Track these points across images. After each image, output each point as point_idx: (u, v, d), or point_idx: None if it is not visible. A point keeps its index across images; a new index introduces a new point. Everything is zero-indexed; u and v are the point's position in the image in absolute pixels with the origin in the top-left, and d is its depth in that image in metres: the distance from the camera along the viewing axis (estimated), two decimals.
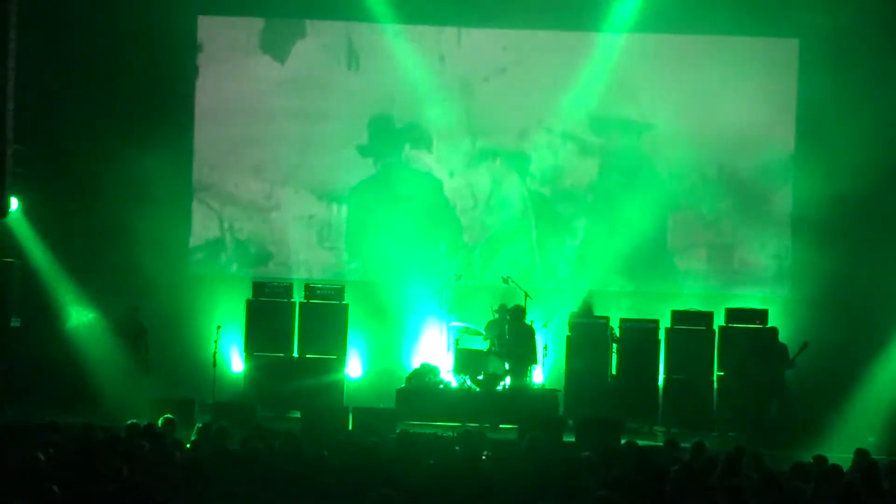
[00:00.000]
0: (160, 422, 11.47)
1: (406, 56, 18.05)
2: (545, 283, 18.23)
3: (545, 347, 16.96)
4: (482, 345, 16.93)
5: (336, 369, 16.97)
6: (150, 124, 17.53)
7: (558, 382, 17.02)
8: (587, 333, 16.98)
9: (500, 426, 15.87)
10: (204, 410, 15.10)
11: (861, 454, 10.96)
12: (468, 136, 18.34)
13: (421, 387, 16.70)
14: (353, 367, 17.65)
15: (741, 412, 16.28)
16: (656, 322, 17.05)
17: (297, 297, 17.18)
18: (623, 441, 13.24)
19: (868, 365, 16.93)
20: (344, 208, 18.37)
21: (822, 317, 17.21)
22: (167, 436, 10.70)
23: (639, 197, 18.04)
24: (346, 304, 17.11)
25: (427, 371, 16.91)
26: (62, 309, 17.46)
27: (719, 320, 17.05)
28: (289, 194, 18.38)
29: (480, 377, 16.52)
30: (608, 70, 18.00)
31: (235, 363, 17.52)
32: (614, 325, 17.00)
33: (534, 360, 16.65)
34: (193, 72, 18.30)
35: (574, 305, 17.38)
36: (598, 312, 17.25)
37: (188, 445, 10.65)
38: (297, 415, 15.73)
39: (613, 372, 16.95)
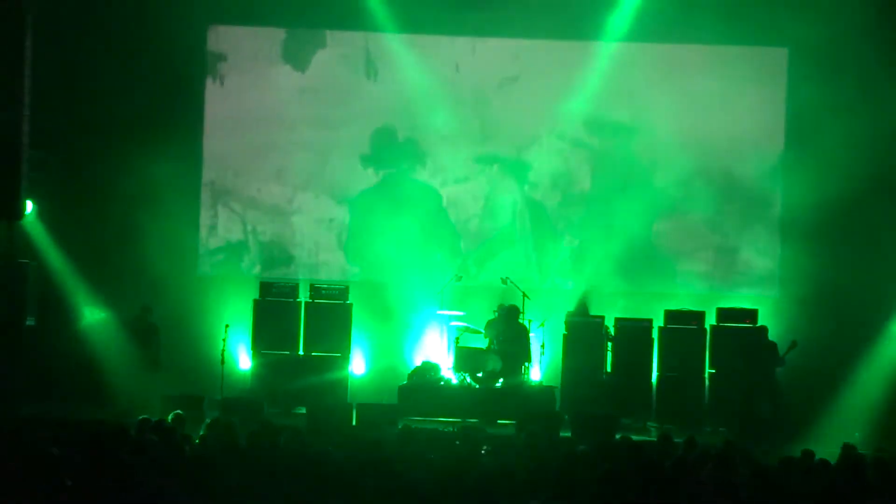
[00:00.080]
0: (170, 417, 11.44)
1: (420, 65, 18.05)
2: (542, 284, 18.23)
3: (542, 346, 16.97)
4: (482, 343, 16.92)
5: (340, 367, 16.96)
6: (161, 131, 17.49)
7: (555, 379, 17.03)
8: (583, 332, 16.98)
9: (499, 422, 15.86)
10: (212, 406, 15.09)
11: (848, 449, 10.95)
12: (473, 143, 18.32)
13: (422, 384, 16.69)
14: (357, 365, 17.64)
15: (732, 408, 16.28)
16: (650, 321, 17.06)
17: (303, 297, 17.17)
18: (618, 436, 13.23)
19: (855, 363, 16.96)
20: (352, 212, 18.39)
21: (810, 316, 17.20)
22: (177, 431, 10.68)
23: (633, 201, 18.04)
24: (350, 304, 17.12)
25: (428, 368, 16.90)
26: (76, 308, 17.44)
27: (711, 320, 17.05)
28: (309, 199, 18.38)
29: (480, 374, 16.52)
30: (605, 78, 17.98)
31: (243, 361, 17.50)
32: (609, 324, 17.00)
33: (527, 359, 16.64)
34: (203, 81, 18.29)
35: (570, 305, 17.37)
36: (593, 312, 17.26)
37: (197, 440, 10.63)
38: (303, 411, 15.73)
39: (608, 369, 16.94)
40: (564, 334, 17.01)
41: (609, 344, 16.93)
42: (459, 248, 18.41)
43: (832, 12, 16.97)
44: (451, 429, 13.91)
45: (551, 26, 17.89)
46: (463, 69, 18.30)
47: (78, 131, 17.50)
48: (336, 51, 18.34)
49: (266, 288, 17.18)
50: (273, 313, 17.03)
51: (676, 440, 11.49)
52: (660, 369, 16.99)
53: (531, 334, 16.88)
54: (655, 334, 17.01)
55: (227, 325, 16.69)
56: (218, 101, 18.27)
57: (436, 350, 17.44)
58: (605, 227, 17.99)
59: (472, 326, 17.10)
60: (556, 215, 18.42)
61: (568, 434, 14.54)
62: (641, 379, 16.88)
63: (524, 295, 17.06)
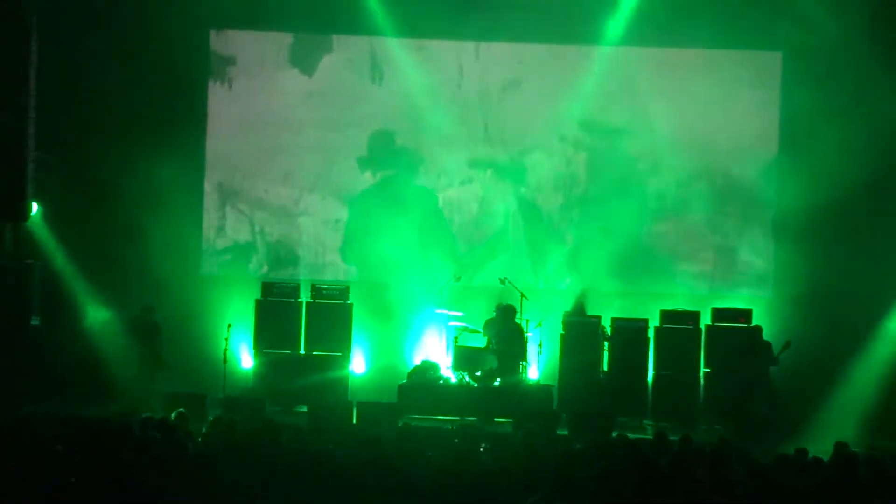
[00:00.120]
0: (173, 415, 11.43)
1: (423, 69, 18.07)
2: (540, 285, 18.22)
3: (540, 345, 16.98)
4: (481, 343, 16.91)
5: (341, 366, 16.95)
6: (164, 133, 17.50)
7: (552, 378, 17.03)
8: (580, 332, 16.97)
9: (497, 420, 15.85)
10: (215, 405, 15.07)
11: (841, 447, 10.94)
12: (473, 145, 18.32)
13: (422, 382, 16.68)
14: (357, 364, 17.62)
15: (727, 407, 16.27)
16: (646, 321, 17.05)
17: (304, 297, 17.16)
18: (614, 434, 13.23)
19: (847, 362, 16.97)
20: (352, 213, 18.39)
21: (803, 317, 17.20)
22: (179, 428, 10.66)
23: (629, 202, 18.06)
24: (351, 304, 17.11)
25: (427, 367, 16.90)
26: (80, 308, 17.42)
27: (706, 319, 17.05)
28: (316, 200, 18.38)
29: (478, 373, 16.51)
30: (603, 81, 17.98)
31: (245, 360, 17.49)
32: (606, 323, 16.99)
33: (523, 357, 16.64)
34: (205, 83, 18.29)
35: (567, 305, 17.36)
36: (590, 312, 17.23)
37: (199, 438, 10.61)
38: (304, 409, 15.70)
39: (605, 368, 16.94)
40: (562, 334, 17.01)
41: (606, 343, 16.92)
42: (458, 249, 18.39)
43: (825, 17, 17.00)
44: (450, 427, 13.90)
45: (552, 31, 17.88)
46: (466, 73, 18.29)
47: (82, 133, 17.47)
48: (342, 55, 18.34)
49: (268, 288, 17.18)
50: (275, 313, 17.02)
51: (672, 438, 11.48)
52: (655, 368, 16.97)
53: (528, 333, 16.88)
54: (651, 334, 17.00)
55: (229, 325, 16.69)
56: (227, 104, 18.28)
57: (435, 349, 17.43)
58: (601, 229, 17.96)
59: (470, 326, 17.11)
60: (553, 217, 18.41)
61: (565, 432, 14.53)
62: (637, 378, 16.87)
63: (522, 295, 17.06)
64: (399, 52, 18.10)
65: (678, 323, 16.99)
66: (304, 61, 18.36)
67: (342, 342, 16.99)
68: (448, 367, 16.86)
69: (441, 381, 16.76)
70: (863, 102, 17.09)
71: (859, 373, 16.93)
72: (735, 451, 10.30)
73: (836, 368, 16.91)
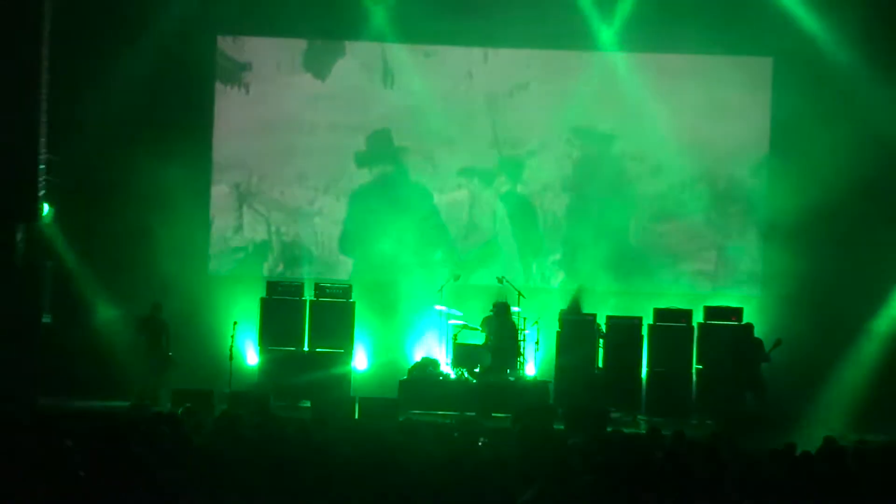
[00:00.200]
0: (180, 411, 11.42)
1: (432, 73, 18.08)
2: (537, 283, 18.21)
3: (537, 342, 17.02)
4: (479, 340, 16.91)
5: (343, 362, 16.96)
6: (172, 136, 17.46)
7: (549, 374, 17.04)
8: (576, 329, 16.97)
9: (495, 415, 15.85)
10: (221, 400, 15.06)
11: (829, 441, 10.93)
12: (473, 147, 18.33)
13: (422, 378, 16.70)
14: (360, 361, 17.62)
15: (719, 402, 16.27)
16: (640, 319, 17.06)
17: (308, 295, 17.16)
18: (609, 429, 13.22)
19: (836, 359, 16.98)
20: (353, 213, 18.39)
21: (793, 315, 17.20)
22: (187, 423, 10.65)
23: (625, 204, 18.11)
24: (353, 302, 17.12)
25: (428, 364, 16.92)
26: (90, 306, 17.41)
27: (698, 317, 17.06)
28: (330, 201, 18.37)
29: (476, 369, 16.52)
30: (598, 86, 17.98)
31: (250, 356, 17.48)
32: (601, 321, 17.00)
33: (517, 353, 16.64)
34: (212, 88, 18.29)
35: (564, 304, 17.36)
36: (585, 310, 17.23)
37: (206, 433, 10.60)
38: (308, 404, 15.73)
39: (600, 365, 16.95)
40: (558, 331, 17.01)
41: (601, 341, 16.93)
42: (458, 248, 18.39)
43: (815, 24, 17.02)
44: (450, 421, 13.90)
45: (552, 37, 17.88)
46: (474, 77, 18.31)
47: (92, 136, 17.43)
48: (354, 60, 18.34)
49: (273, 287, 17.19)
50: (279, 311, 17.03)
51: (665, 433, 11.47)
52: (649, 365, 16.99)
53: (526, 330, 16.90)
54: (645, 331, 17.01)
55: (235, 323, 16.72)
56: (243, 108, 18.30)
57: (435, 346, 17.43)
58: (596, 229, 17.97)
59: (469, 324, 17.11)
60: (550, 217, 18.40)
61: (561, 427, 14.51)
62: (631, 374, 16.88)
63: (519, 294, 17.08)
64: (408, 57, 18.12)
65: (671, 321, 17.01)
66: (318, 66, 18.39)
67: (345, 339, 16.99)
68: (448, 364, 16.87)
69: (441, 378, 16.77)
70: (851, 106, 17.10)
71: (848, 369, 16.94)
72: (727, 446, 10.29)
73: (825, 365, 16.92)
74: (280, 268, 18.38)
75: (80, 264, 17.41)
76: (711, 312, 17.03)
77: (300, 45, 18.38)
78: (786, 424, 14.53)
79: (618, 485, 8.45)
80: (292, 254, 18.43)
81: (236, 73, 18.36)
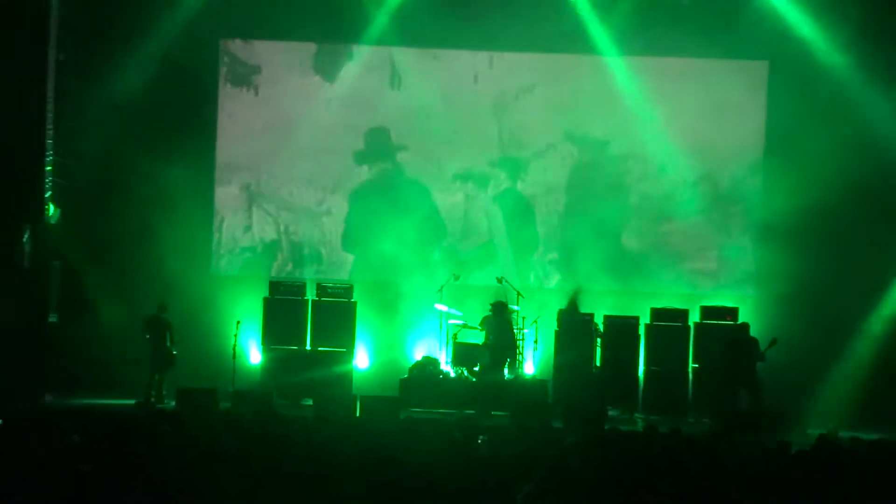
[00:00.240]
0: (184, 408, 11.43)
1: (438, 76, 18.10)
2: (536, 283, 18.22)
3: (535, 341, 17.03)
4: (479, 339, 16.91)
5: (345, 361, 16.97)
6: (176, 138, 17.49)
7: (547, 373, 17.06)
8: (574, 328, 16.97)
9: (494, 413, 15.85)
10: (224, 398, 15.06)
11: (824, 439, 10.94)
12: (474, 148, 18.33)
13: (422, 377, 16.70)
14: (361, 360, 17.63)
15: (714, 401, 16.27)
16: (637, 319, 17.07)
17: (310, 295, 17.17)
18: (606, 427, 13.21)
19: (831, 358, 16.98)
20: (354, 213, 18.41)
21: (788, 315, 17.19)
22: (190, 421, 10.65)
23: (623, 205, 18.11)
24: (355, 302, 17.12)
25: (428, 363, 16.93)
26: (96, 306, 17.41)
27: (694, 317, 17.08)
28: (338, 200, 18.39)
29: (476, 368, 16.53)
30: (596, 89, 17.99)
31: (253, 355, 17.49)
32: (598, 321, 16.99)
33: (513, 351, 16.63)
34: (216, 91, 18.29)
35: (562, 303, 17.35)
36: (583, 310, 17.23)
37: (209, 430, 10.59)
38: (310, 402, 15.71)
39: (598, 364, 16.94)
40: (556, 331, 17.02)
41: (598, 340, 16.93)
42: (458, 248, 18.39)
43: (810, 28, 17.05)
44: (450, 419, 13.90)
45: (552, 42, 17.86)
46: (480, 81, 18.32)
47: (99, 139, 17.43)
48: (363, 63, 18.34)
49: (275, 287, 17.20)
50: (282, 310, 17.04)
51: (661, 431, 11.48)
52: (646, 364, 17.00)
53: (525, 330, 16.91)
54: (642, 331, 17.02)
55: (238, 322, 16.71)
56: (254, 110, 18.30)
57: (435, 345, 17.43)
58: (594, 230, 17.95)
59: (469, 323, 17.11)
60: (550, 218, 18.40)
61: (559, 425, 14.51)
62: (629, 373, 16.89)
63: (518, 294, 17.08)
64: (416, 60, 18.13)
65: (668, 320, 17.02)
66: (327, 69, 18.40)
67: (346, 339, 17.00)
68: (447, 363, 16.87)
69: (441, 376, 16.78)
70: (846, 108, 17.12)
71: (842, 368, 16.94)
72: (722, 444, 10.29)
73: (819, 364, 16.91)
74: (289, 267, 18.38)
75: (86, 264, 17.40)
76: (708, 312, 17.05)
77: (310, 48, 18.39)
78: (781, 423, 14.53)
79: (615, 482, 8.45)
80: (301, 253, 18.44)
81: (246, 76, 18.36)
